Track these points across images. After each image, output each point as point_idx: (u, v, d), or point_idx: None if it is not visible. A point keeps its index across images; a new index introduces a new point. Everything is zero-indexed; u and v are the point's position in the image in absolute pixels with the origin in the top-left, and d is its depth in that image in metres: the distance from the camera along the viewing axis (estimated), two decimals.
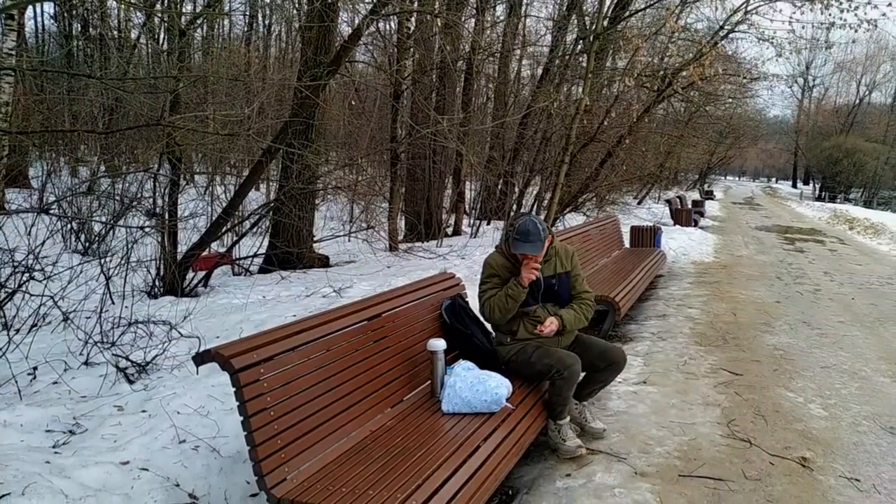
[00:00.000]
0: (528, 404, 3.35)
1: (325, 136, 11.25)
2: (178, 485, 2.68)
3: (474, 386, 3.14)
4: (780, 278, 9.34)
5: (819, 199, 39.93)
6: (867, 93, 53.62)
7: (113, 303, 5.55)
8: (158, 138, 6.36)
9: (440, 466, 2.56)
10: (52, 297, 4.28)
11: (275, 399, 2.45)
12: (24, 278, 4.39)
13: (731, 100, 19.82)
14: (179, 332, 4.36)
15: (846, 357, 5.43)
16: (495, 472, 2.74)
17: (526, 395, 3.41)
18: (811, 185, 51.44)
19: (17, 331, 4.67)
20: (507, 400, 3.19)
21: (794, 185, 58.81)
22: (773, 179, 76.02)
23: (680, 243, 12.02)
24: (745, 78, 15.01)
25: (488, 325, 3.80)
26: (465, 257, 8.96)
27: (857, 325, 6.57)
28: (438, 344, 3.35)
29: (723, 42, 12.53)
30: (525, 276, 3.47)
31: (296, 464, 2.46)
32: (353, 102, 10.95)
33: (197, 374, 3.70)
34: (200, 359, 2.37)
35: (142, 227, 5.13)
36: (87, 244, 8.59)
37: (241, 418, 2.33)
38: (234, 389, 2.34)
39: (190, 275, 7.11)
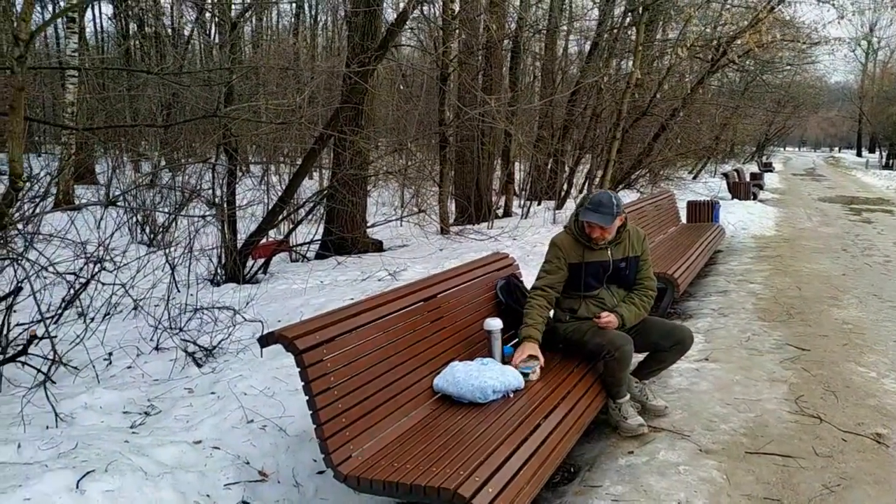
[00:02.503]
0: (587, 382, 3.34)
1: (375, 123, 11.33)
2: (248, 462, 2.77)
3: (471, 372, 3.00)
4: (846, 250, 8.98)
5: (886, 167, 38.07)
6: None
7: (178, 291, 5.76)
8: (214, 130, 6.53)
9: (502, 443, 2.57)
10: (123, 286, 4.46)
11: (338, 379, 2.51)
12: (96, 269, 4.59)
13: (788, 67, 19.05)
14: (243, 317, 4.49)
15: None
16: (557, 449, 2.74)
17: (585, 373, 3.39)
18: (877, 153, 49.02)
19: (93, 319, 4.90)
20: (515, 392, 3.05)
21: (859, 154, 56.16)
22: (836, 149, 72.75)
23: (739, 217, 11.68)
24: (804, 43, 14.39)
25: None
26: (516, 238, 8.92)
27: None
28: (495, 323, 3.36)
29: (780, 7, 12.03)
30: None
31: (360, 442, 2.51)
32: (401, 87, 10.98)
33: (262, 357, 3.82)
34: (265, 341, 2.44)
35: (203, 216, 5.29)
36: (153, 235, 8.92)
37: (307, 398, 2.39)
38: (298, 370, 2.40)
39: (250, 262, 7.30)
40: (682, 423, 3.53)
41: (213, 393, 3.43)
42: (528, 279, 4.12)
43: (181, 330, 4.46)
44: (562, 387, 3.19)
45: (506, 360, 3.35)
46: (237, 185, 8.17)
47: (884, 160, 42.21)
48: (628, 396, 3.50)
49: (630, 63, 11.54)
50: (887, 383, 4.10)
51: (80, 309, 4.95)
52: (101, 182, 13.81)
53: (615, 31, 12.66)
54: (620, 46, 13.11)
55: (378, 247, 8.87)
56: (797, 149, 75.77)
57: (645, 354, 3.74)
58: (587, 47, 13.80)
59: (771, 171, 27.37)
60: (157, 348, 4.27)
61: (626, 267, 3.60)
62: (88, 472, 2.25)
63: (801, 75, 23.96)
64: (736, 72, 17.49)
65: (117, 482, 2.23)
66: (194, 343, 4.14)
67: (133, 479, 2.29)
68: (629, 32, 12.80)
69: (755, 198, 15.44)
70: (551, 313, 3.78)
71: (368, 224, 9.18)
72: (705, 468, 3.05)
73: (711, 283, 7.10)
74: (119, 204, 5.96)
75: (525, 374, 3.18)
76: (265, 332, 4.20)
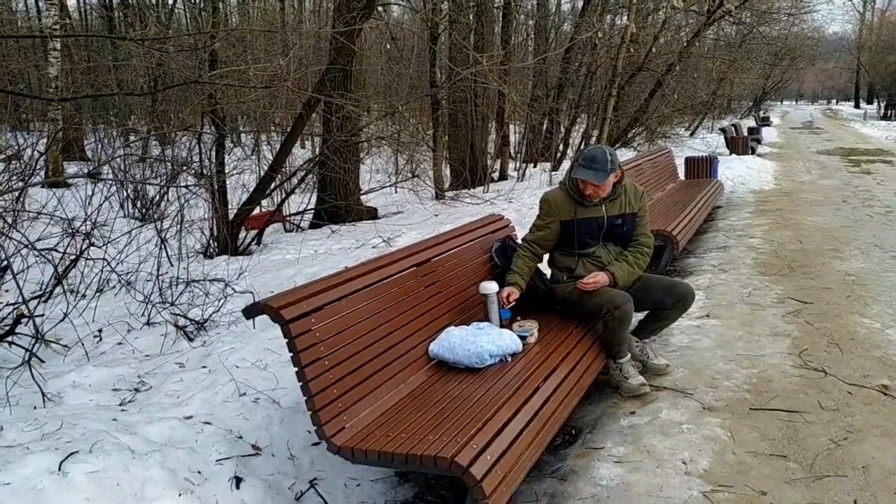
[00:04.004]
0: (587, 343, 3.26)
1: (365, 87, 11.09)
2: (240, 437, 2.70)
3: (467, 337, 2.91)
4: (846, 202, 8.87)
5: (885, 117, 37.71)
6: None
7: (172, 265, 5.67)
8: (200, 99, 6.35)
9: (501, 408, 2.49)
10: (108, 263, 4.36)
11: (328, 348, 2.42)
12: (84, 245, 4.49)
13: (785, 17, 18.68)
14: (233, 289, 4.40)
15: None
16: (557, 412, 2.67)
17: (585, 334, 3.31)
18: (875, 104, 48.55)
19: (83, 296, 4.81)
20: (513, 356, 2.97)
21: (857, 106, 55.61)
22: (834, 101, 72.03)
23: (737, 172, 11.52)
24: None
25: (542, 265, 3.69)
26: (512, 201, 8.79)
27: None
28: (491, 286, 3.26)
29: None
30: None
31: (354, 412, 2.44)
32: (388, 46, 10.71)
33: (254, 328, 3.74)
34: (250, 311, 2.35)
35: (186, 187, 5.15)
36: (144, 210, 8.78)
37: (296, 369, 2.31)
38: (286, 341, 2.31)
39: (242, 234, 7.19)
40: (685, 382, 3.47)
41: (204, 367, 3.35)
42: None
43: (172, 304, 4.37)
44: (561, 348, 3.11)
45: (503, 323, 3.27)
46: (228, 156, 8.03)
47: (882, 111, 41.82)
48: (629, 356, 3.42)
49: (625, 18, 11.26)
50: (892, 334, 4.02)
51: (71, 286, 4.87)
52: (90, 158, 13.61)
53: None
54: (614, 1, 12.81)
55: (373, 214, 8.75)
56: (794, 102, 75.02)
57: (645, 313, 3.66)
58: (580, 3, 13.48)
59: (768, 125, 27.06)
60: (148, 323, 4.18)
61: (623, 223, 3.49)
62: (72, 454, 2.18)
63: (799, 26, 23.55)
64: (732, 24, 17.14)
65: (102, 462, 2.15)
66: (185, 317, 4.06)
67: (119, 459, 2.21)
68: None
69: (753, 152, 15.25)
70: (549, 273, 3.69)
71: (362, 191, 9.05)
72: (709, 426, 2.99)
73: (711, 239, 7.01)
74: (105, 177, 5.80)
75: (523, 338, 3.10)
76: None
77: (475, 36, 10.74)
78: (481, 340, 2.88)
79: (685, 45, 12.49)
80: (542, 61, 11.43)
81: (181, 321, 4.03)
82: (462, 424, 2.37)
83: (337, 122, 7.30)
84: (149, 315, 4.23)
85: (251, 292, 4.27)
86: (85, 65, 12.22)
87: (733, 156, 14.13)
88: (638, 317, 3.60)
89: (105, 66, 13.34)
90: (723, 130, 16.30)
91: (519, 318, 3.35)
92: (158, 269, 4.83)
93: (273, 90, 6.47)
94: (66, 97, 7.92)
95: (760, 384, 3.40)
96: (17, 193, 5.70)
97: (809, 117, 39.82)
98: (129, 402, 3.02)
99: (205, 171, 6.67)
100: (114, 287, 5.10)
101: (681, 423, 3.03)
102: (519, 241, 3.98)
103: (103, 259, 4.58)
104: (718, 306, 4.65)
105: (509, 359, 2.97)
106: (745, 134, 16.82)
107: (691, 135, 21.05)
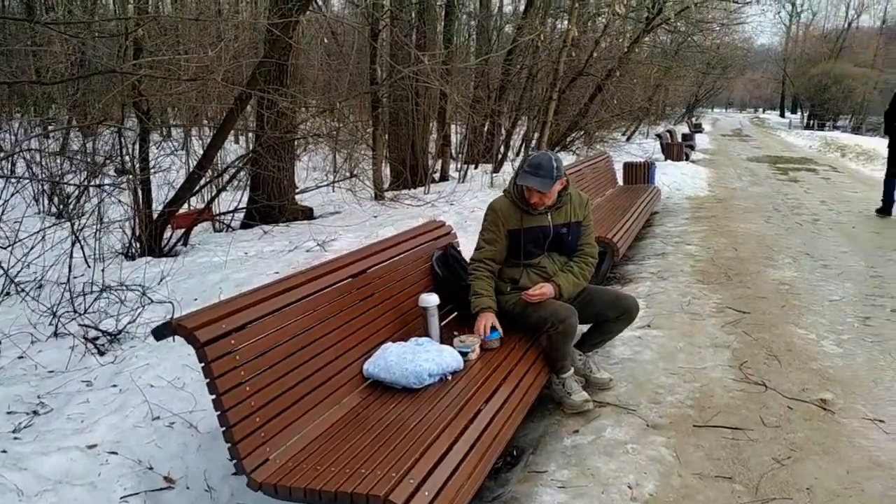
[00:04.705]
0: (530, 358, 3.12)
1: (303, 83, 10.73)
2: (151, 468, 2.44)
3: (405, 355, 2.73)
4: (777, 209, 9.11)
5: (808, 127, 39.52)
6: (855, 16, 52.74)
7: (89, 266, 5.26)
8: (119, 89, 5.92)
9: (441, 434, 2.32)
10: (1, 267, 3.95)
11: (250, 372, 2.19)
12: None
13: (717, 28, 19.21)
14: (150, 299, 4.06)
15: (853, 288, 5.24)
16: (500, 436, 2.52)
17: (528, 348, 3.17)
18: (799, 113, 50.92)
19: None
20: (454, 374, 2.80)
21: (782, 115, 58.18)
22: (761, 110, 75.23)
23: (673, 178, 11.73)
24: (736, 2, 14.44)
25: None
26: (453, 203, 8.64)
27: (860, 255, 6.36)
28: (431, 299, 3.08)
29: None
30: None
31: (278, 441, 2.21)
32: (326, 41, 10.39)
33: (173, 341, 3.43)
34: (161, 332, 2.10)
35: (100, 186, 4.76)
36: (61, 206, 8.19)
37: (212, 397, 2.07)
38: (201, 365, 2.07)
39: (168, 233, 6.77)
40: (628, 397, 3.38)
41: (114, 385, 3.04)
42: (466, 246, 3.86)
43: (84, 312, 4.01)
44: (504, 365, 2.96)
45: (485, 345, 3.10)
46: (157, 151, 7.55)
47: (805, 121, 43.84)
48: (572, 371, 3.31)
49: (566, 22, 11.27)
50: (826, 345, 4.06)
51: None
52: (2, 149, 12.71)
53: None
54: (555, 5, 12.83)
55: (308, 214, 8.44)
56: (724, 110, 77.92)
57: (588, 326, 3.55)
58: (522, 5, 13.46)
59: (701, 131, 27.89)
60: (55, 334, 3.80)
61: (568, 233, 3.37)
62: None
63: (731, 37, 24.31)
64: (668, 33, 17.49)
65: None
66: (96, 328, 3.71)
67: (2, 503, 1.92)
68: None
69: (687, 158, 15.60)
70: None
71: (298, 190, 8.71)
72: (653, 445, 2.90)
73: (649, 245, 7.03)
74: (4, 174, 5.32)
75: (464, 354, 2.93)
76: (177, 314, 3.83)
77: (417, 34, 10.54)
78: (420, 359, 2.70)
79: (625, 51, 12.61)
80: (485, 62, 11.33)
81: (92, 332, 3.68)
82: (398, 454, 2.19)
83: (271, 119, 6.97)
84: (56, 325, 3.86)
85: (171, 302, 3.95)
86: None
87: (669, 161, 14.40)
88: (581, 329, 3.49)
89: (23, 51, 12.46)
90: (659, 136, 16.64)
91: (456, 332, 3.18)
92: (70, 273, 4.43)
93: (202, 83, 6.08)
94: None
95: (703, 399, 3.34)
96: None
97: (739, 125, 41.38)
98: (25, 427, 2.69)
99: (126, 167, 6.23)
100: (21, 292, 4.68)
101: (625, 442, 2.93)
102: (461, 249, 3.83)
103: (9, 261, 4.18)
104: (659, 315, 4.61)
105: (450, 377, 2.79)
106: (680, 140, 17.22)
107: (628, 140, 21.43)
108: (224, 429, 2.07)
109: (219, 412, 2.07)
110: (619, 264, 6.08)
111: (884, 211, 8.51)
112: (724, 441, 2.93)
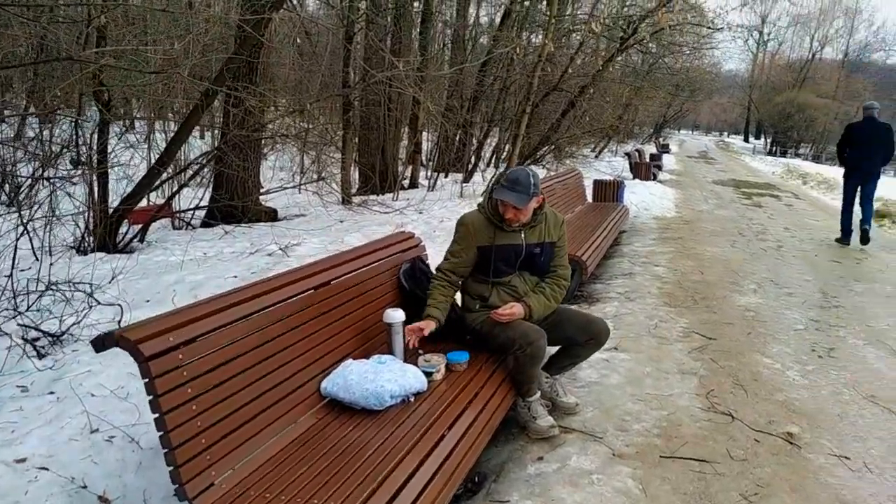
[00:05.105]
0: (496, 380, 3.00)
1: (273, 82, 10.49)
2: (84, 486, 2.25)
3: (366, 374, 2.58)
4: (742, 234, 9.21)
5: (771, 153, 40.56)
6: (819, 48, 54.42)
7: (37, 259, 4.98)
8: (77, 77, 5.66)
9: (401, 462, 2.19)
10: None
11: (197, 389, 2.03)
12: None
13: (688, 52, 19.53)
14: (97, 300, 3.83)
15: (817, 317, 5.26)
16: (464, 462, 2.40)
17: (495, 370, 3.06)
18: (762, 139, 52.22)
19: None
20: (417, 396, 2.68)
21: (746, 140, 59.63)
22: (726, 133, 77.00)
23: (641, 197, 11.80)
24: (709, 27, 14.68)
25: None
26: (422, 212, 8.52)
27: (822, 283, 6.43)
28: (396, 315, 2.94)
29: None
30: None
31: (225, 465, 2.05)
32: (299, 40, 10.19)
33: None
34: (101, 343, 1.91)
35: (49, 179, 4.51)
36: (12, 195, 7.83)
37: (155, 416, 1.90)
38: (144, 381, 1.90)
39: (125, 228, 6.49)
40: (594, 423, 3.28)
41: (51, 393, 2.84)
42: (434, 258, 3.74)
43: (27, 310, 3.76)
44: (469, 387, 2.84)
45: (451, 367, 2.97)
46: (117, 143, 7.26)
47: (768, 146, 44.98)
48: (539, 394, 3.20)
49: (541, 37, 11.28)
50: (791, 375, 4.04)
51: None
52: None
53: (527, 3, 12.37)
54: (531, 19, 12.85)
55: (272, 215, 8.23)
56: (691, 132, 79.56)
57: (557, 348, 3.46)
58: (498, 18, 13.45)
59: (668, 152, 28.35)
60: None
61: (541, 252, 3.27)
62: None
63: (700, 60, 24.74)
64: (640, 53, 17.70)
65: None
66: (37, 328, 3.48)
67: None
68: (540, 6, 12.56)
69: (655, 178, 15.77)
70: (459, 300, 3.42)
71: (263, 190, 8.49)
72: (620, 476, 2.80)
73: (617, 264, 7.01)
74: None
75: (428, 374, 2.80)
76: (125, 317, 3.62)
77: (392, 39, 10.42)
78: (382, 379, 2.56)
79: (599, 68, 12.68)
80: (459, 72, 11.25)
81: (32, 333, 3.45)
82: (356, 482, 2.05)
83: (238, 116, 6.77)
84: None
85: (120, 304, 3.73)
86: None
87: (637, 181, 14.52)
88: (549, 351, 3.40)
89: None
90: (628, 155, 16.79)
91: (421, 350, 3.05)
92: (14, 267, 4.17)
93: (167, 75, 5.86)
94: None
95: (670, 428, 3.27)
96: None
97: (704, 147, 42.20)
98: None
99: (82, 158, 5.96)
100: None
101: (591, 472, 2.83)
102: (429, 261, 3.71)
103: None
104: (626, 338, 4.55)
105: (412, 398, 2.66)
106: (648, 160, 17.41)
107: (597, 157, 21.63)
108: (166, 450, 1.90)
109: (161, 432, 1.90)
110: (586, 282, 6.03)
111: (842, 240, 8.69)
112: (691, 474, 2.85)
